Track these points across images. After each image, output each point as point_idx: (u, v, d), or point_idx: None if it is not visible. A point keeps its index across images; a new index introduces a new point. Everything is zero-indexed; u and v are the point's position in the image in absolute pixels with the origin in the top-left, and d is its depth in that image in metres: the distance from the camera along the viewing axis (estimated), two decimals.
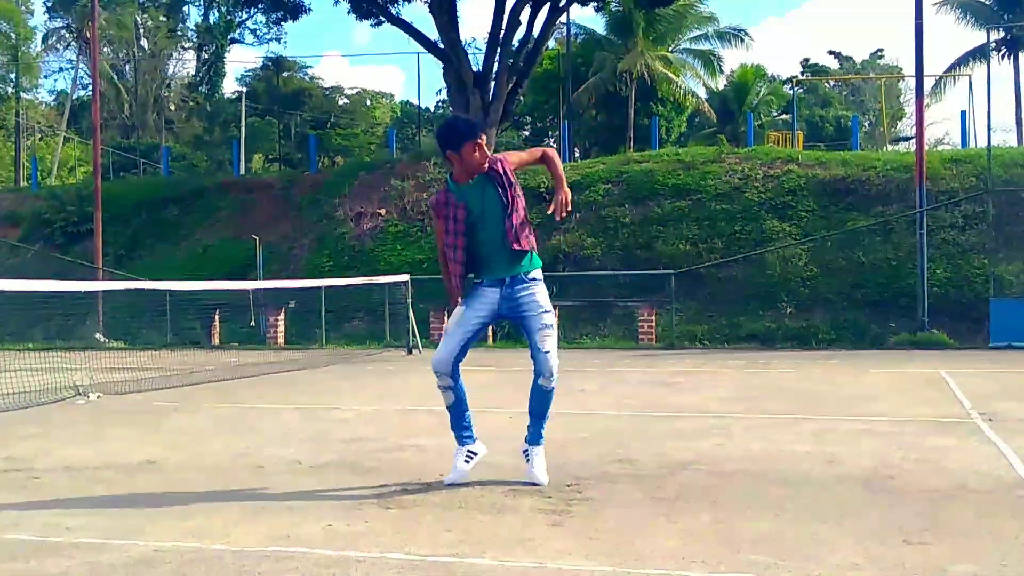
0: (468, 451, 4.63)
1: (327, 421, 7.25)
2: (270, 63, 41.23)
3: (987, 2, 30.97)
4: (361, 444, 6.02)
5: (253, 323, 18.86)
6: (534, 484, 4.50)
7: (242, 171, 31.96)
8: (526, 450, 4.63)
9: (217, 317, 18.74)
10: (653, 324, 16.46)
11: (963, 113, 26.60)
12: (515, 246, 4.45)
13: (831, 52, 52.30)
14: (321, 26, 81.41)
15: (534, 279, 4.56)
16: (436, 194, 4.66)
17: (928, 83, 27.85)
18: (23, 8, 40.12)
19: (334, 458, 5.53)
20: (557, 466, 4.86)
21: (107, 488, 4.77)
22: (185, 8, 44.53)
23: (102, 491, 4.69)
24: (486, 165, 4.46)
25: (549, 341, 4.48)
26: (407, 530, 3.80)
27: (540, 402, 4.58)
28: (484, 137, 4.45)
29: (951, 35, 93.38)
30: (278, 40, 50.45)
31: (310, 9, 25.00)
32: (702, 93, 35.80)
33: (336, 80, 70.32)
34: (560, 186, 4.50)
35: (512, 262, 4.50)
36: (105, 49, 39.69)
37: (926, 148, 17.16)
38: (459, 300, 4.62)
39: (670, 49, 34.07)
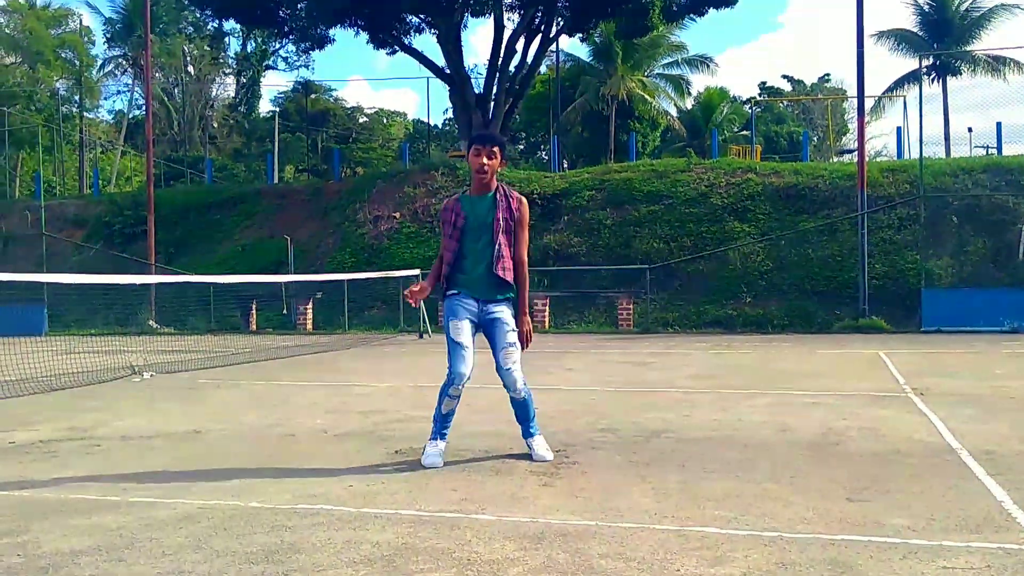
0: (443, 446, 4.29)
1: (349, 396, 7.24)
2: (300, 86, 41.08)
3: (919, 33, 30.88)
4: (379, 416, 6.00)
5: (285, 311, 18.83)
6: (544, 460, 4.32)
7: (276, 180, 31.82)
8: (528, 444, 4.43)
9: (254, 306, 18.74)
10: (631, 312, 16.46)
11: (899, 129, 26.70)
12: (498, 271, 4.18)
13: (785, 76, 52.02)
14: (345, 54, 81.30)
15: (507, 299, 4.29)
16: (447, 201, 4.39)
17: (868, 103, 27.88)
18: (86, 39, 40.03)
19: (355, 428, 5.51)
20: (548, 435, 4.84)
21: (158, 454, 4.76)
22: (226, 39, 44.41)
23: (154, 457, 4.68)
24: (493, 185, 4.24)
25: (511, 357, 4.22)
26: (418, 489, 3.79)
27: (521, 410, 4.39)
28: (492, 150, 4.18)
29: (888, 61, 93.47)
30: (307, 67, 50.15)
31: (334, 40, 24.88)
32: (673, 112, 35.69)
33: (357, 101, 70.03)
34: (523, 318, 4.27)
35: (491, 286, 4.22)
36: (157, 74, 39.48)
37: (867, 159, 17.16)
38: (418, 288, 4.35)
39: (646, 74, 33.96)
